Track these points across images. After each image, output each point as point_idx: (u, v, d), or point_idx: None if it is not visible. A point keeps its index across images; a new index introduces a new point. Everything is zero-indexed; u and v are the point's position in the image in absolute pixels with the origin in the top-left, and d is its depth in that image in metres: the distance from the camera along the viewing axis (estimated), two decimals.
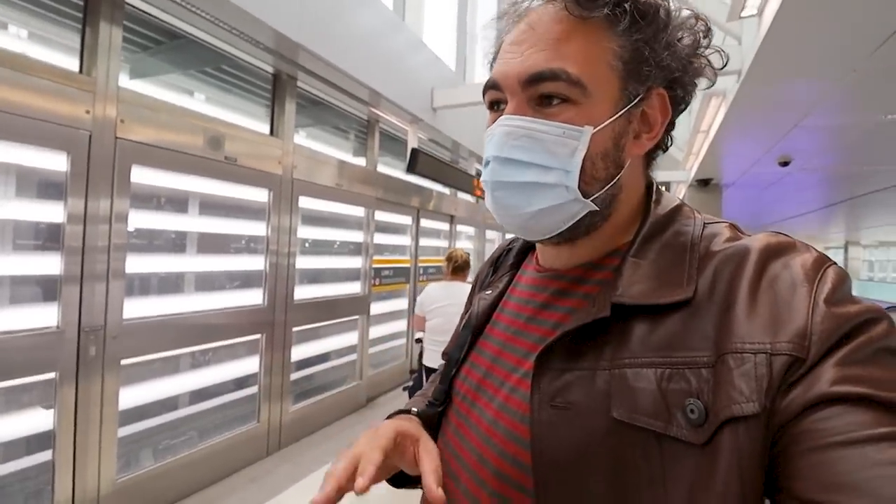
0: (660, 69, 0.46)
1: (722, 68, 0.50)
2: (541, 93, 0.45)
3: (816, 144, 4.26)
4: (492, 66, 0.55)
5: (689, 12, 0.47)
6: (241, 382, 3.00)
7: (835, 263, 0.39)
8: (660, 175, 6.49)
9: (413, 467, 0.50)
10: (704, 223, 0.47)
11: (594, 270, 0.50)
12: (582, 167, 0.45)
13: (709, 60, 0.49)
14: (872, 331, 0.34)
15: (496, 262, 0.69)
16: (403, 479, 0.60)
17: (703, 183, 6.37)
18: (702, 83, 0.51)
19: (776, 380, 0.34)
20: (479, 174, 5.99)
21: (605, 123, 0.45)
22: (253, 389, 3.02)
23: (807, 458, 0.31)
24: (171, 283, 2.65)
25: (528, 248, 0.63)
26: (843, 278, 0.38)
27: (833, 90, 2.87)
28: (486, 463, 0.47)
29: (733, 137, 4.23)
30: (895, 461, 0.29)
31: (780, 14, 2.06)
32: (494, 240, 7.54)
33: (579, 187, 0.45)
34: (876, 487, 0.28)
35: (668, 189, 6.40)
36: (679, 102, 0.50)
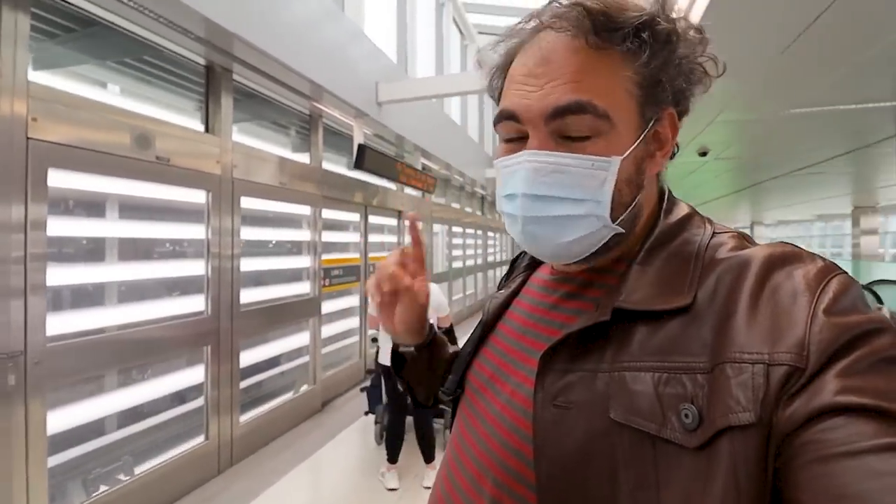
0: (672, 90, 0.48)
1: (719, 76, 0.50)
2: (566, 125, 0.45)
3: (729, 136, 4.71)
4: (493, 86, 0.55)
5: (685, 23, 0.48)
6: (183, 397, 2.81)
7: (842, 273, 0.39)
8: None
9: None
10: (714, 232, 0.48)
11: (603, 275, 0.52)
12: (611, 195, 0.46)
13: (704, 69, 0.49)
14: (875, 342, 0.34)
15: (513, 265, 0.71)
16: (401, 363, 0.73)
17: None
18: (698, 88, 0.51)
19: (774, 390, 0.34)
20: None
21: (630, 151, 0.46)
22: (199, 402, 2.84)
23: (810, 470, 0.31)
24: (100, 296, 2.41)
25: None
26: (848, 288, 0.38)
27: (745, 87, 3.17)
28: (490, 453, 0.49)
29: None
30: None
31: (702, 20, 2.24)
32: (439, 233, 7.58)
33: (608, 214, 0.47)
34: (880, 498, 0.28)
35: None
36: (682, 115, 0.51)
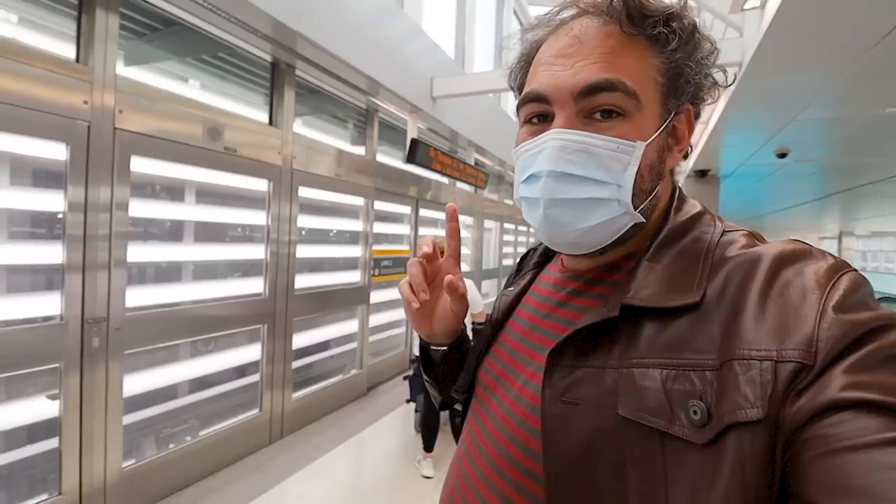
0: (693, 85, 0.49)
1: (727, 87, 0.52)
2: (596, 104, 0.46)
3: (813, 137, 4.27)
4: (513, 76, 0.55)
5: (699, 33, 0.49)
6: (242, 371, 3.03)
7: (853, 270, 0.39)
8: None
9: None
10: (724, 230, 0.48)
11: (610, 272, 0.52)
12: (633, 181, 0.47)
13: (714, 78, 0.51)
14: (884, 338, 0.34)
15: (521, 262, 0.71)
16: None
17: (700, 174, 6.38)
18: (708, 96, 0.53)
19: (782, 386, 0.34)
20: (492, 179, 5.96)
21: (653, 137, 0.47)
22: (255, 378, 3.05)
23: (816, 464, 0.32)
24: (172, 273, 2.66)
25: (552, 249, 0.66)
26: (858, 285, 0.38)
27: (832, 84, 2.87)
28: (500, 449, 0.50)
29: (732, 129, 4.23)
30: None
31: (783, 7, 2.05)
32: (492, 229, 7.55)
33: (630, 200, 0.47)
34: (885, 491, 0.28)
35: None
36: (697, 116, 0.52)
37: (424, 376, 0.72)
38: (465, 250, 3.80)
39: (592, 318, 0.45)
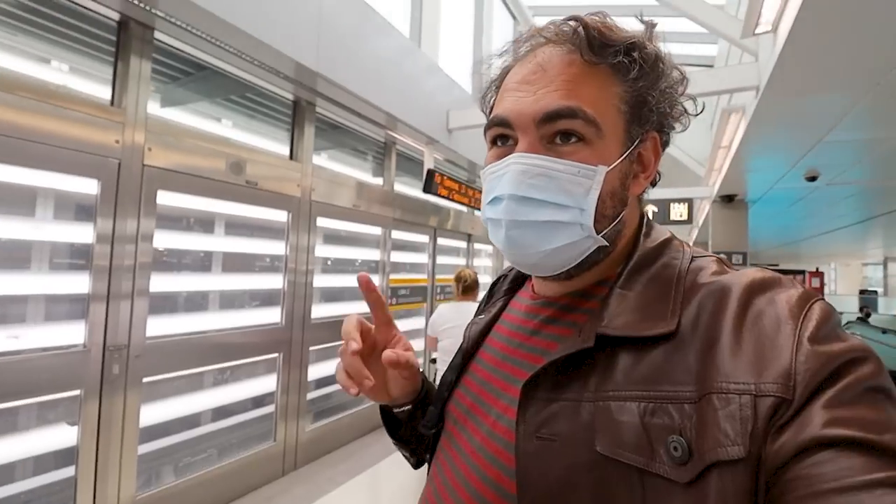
0: (656, 114, 0.49)
1: (697, 114, 0.53)
2: (556, 130, 0.46)
3: (845, 159, 4.13)
4: (486, 101, 0.57)
5: (668, 61, 0.50)
6: (258, 401, 3.04)
7: (821, 299, 0.39)
8: (683, 191, 6.37)
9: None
10: (693, 257, 0.48)
11: (583, 299, 0.51)
12: (595, 205, 0.47)
13: (685, 108, 0.52)
14: (859, 370, 0.34)
15: (492, 289, 0.70)
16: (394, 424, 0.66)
17: (727, 199, 6.21)
18: (678, 125, 0.54)
19: (762, 422, 0.34)
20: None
21: (616, 163, 0.47)
22: (270, 408, 3.06)
23: None
24: (191, 302, 2.74)
25: (523, 275, 0.65)
26: (829, 314, 0.38)
27: (857, 104, 2.79)
28: (470, 488, 0.47)
29: (756, 153, 4.13)
30: None
31: (795, 30, 2.03)
32: None
33: (592, 224, 0.47)
34: None
35: (691, 206, 6.27)
36: (664, 146, 0.53)
37: (392, 440, 0.67)
38: (485, 279, 3.76)
39: (567, 348, 0.44)
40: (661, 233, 0.52)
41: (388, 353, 0.55)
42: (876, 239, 10.91)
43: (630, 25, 0.51)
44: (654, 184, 0.54)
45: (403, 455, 0.70)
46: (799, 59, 2.29)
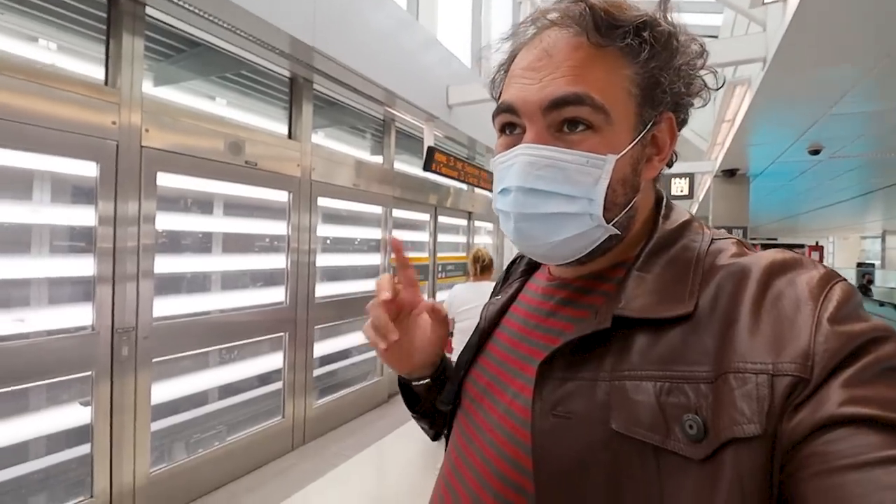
0: (671, 94, 0.47)
1: (718, 88, 0.51)
2: (563, 118, 0.45)
3: (849, 132, 4.07)
4: (495, 86, 0.55)
5: (686, 35, 0.48)
6: (265, 379, 3.10)
7: (843, 280, 0.39)
8: (684, 166, 6.31)
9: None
10: (712, 238, 0.47)
11: (600, 281, 0.51)
12: (604, 194, 0.46)
13: (704, 81, 0.50)
14: (879, 350, 0.34)
15: (508, 270, 0.71)
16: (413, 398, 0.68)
17: (729, 173, 6.16)
18: (698, 100, 0.52)
19: (779, 401, 0.34)
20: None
21: (626, 150, 0.46)
22: (277, 385, 3.11)
23: (816, 483, 0.31)
24: (197, 283, 2.75)
25: None
26: (850, 295, 0.37)
27: (865, 76, 2.74)
28: (488, 463, 0.49)
29: (760, 126, 4.08)
30: None
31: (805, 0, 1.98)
32: None
33: (602, 214, 0.46)
34: None
35: (692, 181, 6.23)
36: (681, 124, 0.51)
37: (411, 413, 0.69)
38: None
39: (584, 329, 0.45)
40: (680, 214, 0.51)
41: (431, 303, 0.59)
42: (875, 212, 10.89)
43: None
44: (670, 164, 0.53)
45: (422, 427, 0.71)
46: (809, 29, 2.24)
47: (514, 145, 0.48)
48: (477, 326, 0.63)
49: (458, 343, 2.84)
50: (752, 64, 3.22)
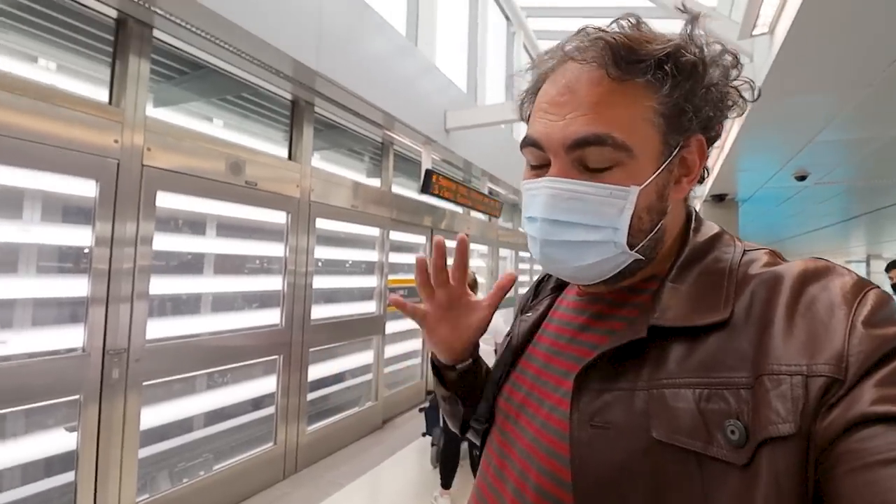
0: (697, 119, 0.47)
1: (755, 100, 0.50)
2: (586, 157, 0.46)
3: (833, 158, 4.21)
4: (523, 109, 0.56)
5: (719, 47, 0.47)
6: (257, 403, 3.01)
7: (877, 287, 0.39)
8: None
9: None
10: (745, 250, 0.48)
11: (633, 294, 0.51)
12: (629, 223, 0.47)
13: (739, 92, 0.49)
14: None
15: (538, 287, 0.71)
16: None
17: (718, 198, 6.31)
18: (732, 112, 0.51)
19: (813, 401, 0.34)
20: (495, 198, 6.02)
21: (650, 180, 0.46)
22: (270, 410, 3.03)
23: (850, 479, 0.31)
24: (191, 305, 2.70)
25: None
26: (885, 301, 0.38)
27: (847, 106, 2.85)
28: (527, 479, 0.48)
29: (748, 153, 4.20)
30: None
31: (793, 32, 2.07)
32: (507, 257, 7.52)
33: (626, 241, 0.47)
34: None
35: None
36: (713, 140, 0.51)
37: (441, 397, 0.69)
38: (480, 279, 3.78)
39: (619, 340, 0.45)
40: (710, 228, 0.52)
41: (505, 277, 0.62)
42: (859, 237, 11.16)
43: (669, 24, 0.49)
44: (701, 181, 0.53)
45: (452, 413, 0.68)
46: (795, 60, 2.33)
47: (541, 175, 0.49)
48: (508, 343, 0.63)
49: None
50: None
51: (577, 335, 0.53)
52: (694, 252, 0.49)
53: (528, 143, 0.50)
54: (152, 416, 2.35)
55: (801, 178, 4.78)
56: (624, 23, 0.47)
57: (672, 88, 0.45)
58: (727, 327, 0.41)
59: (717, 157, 5.20)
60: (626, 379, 0.43)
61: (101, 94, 2.14)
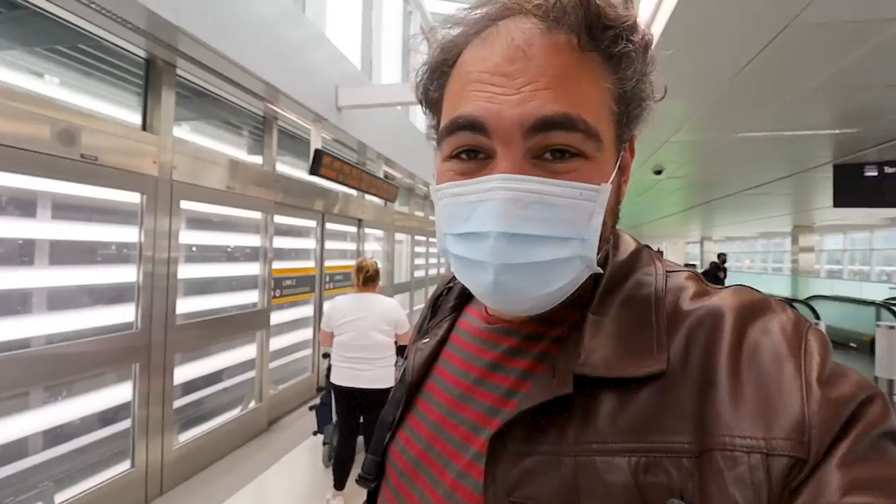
0: (641, 110, 0.41)
1: (660, 99, 0.44)
2: (548, 143, 0.36)
3: (682, 157, 4.89)
4: (428, 86, 0.44)
5: (651, 32, 0.42)
6: (108, 418, 2.54)
7: (813, 326, 0.36)
8: None
9: None
10: (666, 272, 0.43)
11: (549, 326, 0.44)
12: (599, 231, 0.38)
13: (654, 89, 0.43)
14: (868, 414, 0.31)
15: (434, 304, 0.59)
16: None
17: None
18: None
19: (777, 486, 0.30)
20: (389, 181, 5.87)
21: (612, 176, 0.39)
22: (125, 424, 2.57)
23: None
24: (7, 305, 2.14)
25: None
26: (826, 345, 0.35)
27: (697, 111, 3.28)
28: None
29: None
30: None
31: (660, 42, 2.28)
32: (403, 241, 7.47)
33: (594, 255, 0.39)
34: None
35: None
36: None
37: None
38: (378, 264, 3.63)
39: (541, 394, 0.37)
40: (628, 243, 0.46)
41: None
42: (696, 222, 13.36)
43: None
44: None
45: None
46: (661, 67, 2.59)
47: (479, 173, 0.38)
48: (402, 379, 0.52)
49: (338, 359, 2.61)
50: None
51: (487, 376, 0.44)
52: (614, 274, 0.42)
53: (463, 124, 0.37)
54: None
55: (658, 172, 5.48)
56: None
57: (628, 68, 0.38)
58: (663, 378, 0.35)
59: None
60: (549, 440, 0.36)
61: None
